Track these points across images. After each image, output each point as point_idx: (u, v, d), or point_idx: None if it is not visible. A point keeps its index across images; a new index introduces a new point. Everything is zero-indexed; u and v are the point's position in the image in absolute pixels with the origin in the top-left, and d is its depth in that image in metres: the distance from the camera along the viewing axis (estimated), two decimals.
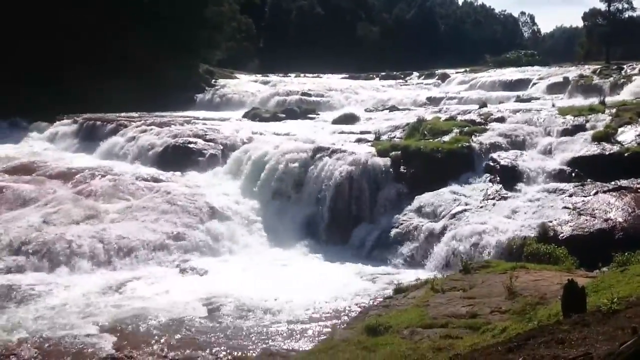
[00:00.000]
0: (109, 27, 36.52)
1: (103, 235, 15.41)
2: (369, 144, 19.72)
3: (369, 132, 21.94)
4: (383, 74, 53.32)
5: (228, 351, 9.97)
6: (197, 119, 28.78)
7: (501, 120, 20.64)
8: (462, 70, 47.91)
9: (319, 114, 31.41)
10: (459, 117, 22.03)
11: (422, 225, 15.35)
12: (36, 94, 30.71)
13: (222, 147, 21.57)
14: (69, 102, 30.46)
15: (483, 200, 15.70)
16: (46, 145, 26.92)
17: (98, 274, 14.06)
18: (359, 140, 20.49)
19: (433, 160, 17.67)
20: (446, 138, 19.05)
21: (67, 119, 28.79)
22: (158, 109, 33.12)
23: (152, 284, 13.38)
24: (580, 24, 79.10)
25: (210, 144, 21.89)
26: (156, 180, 19.70)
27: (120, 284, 13.31)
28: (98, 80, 32.82)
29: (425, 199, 16.23)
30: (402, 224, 15.76)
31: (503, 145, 18.16)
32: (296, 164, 18.39)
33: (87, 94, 31.69)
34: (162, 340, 10.35)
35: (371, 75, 52.57)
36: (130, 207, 17.37)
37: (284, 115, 30.18)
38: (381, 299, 11.23)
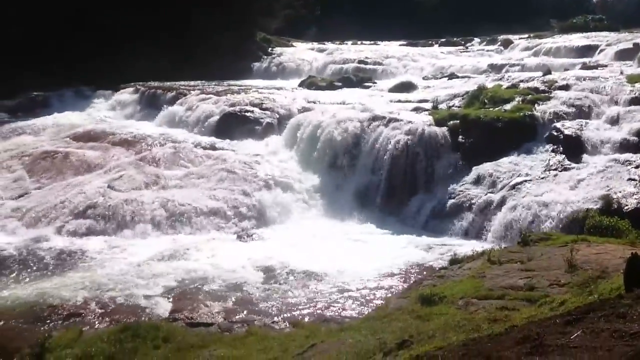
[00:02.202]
0: None
1: (164, 200, 15.90)
2: (426, 112, 19.36)
3: (426, 101, 21.52)
4: (442, 40, 51.84)
5: (283, 316, 10.18)
6: (254, 87, 28.99)
7: (566, 88, 19.83)
8: (526, 36, 45.99)
9: (375, 82, 31.01)
10: (522, 85, 21.29)
11: (480, 196, 15.07)
12: (99, 63, 31.59)
13: (278, 116, 21.67)
14: (131, 71, 31.15)
15: (545, 171, 15.22)
16: (109, 113, 27.75)
17: (160, 238, 14.59)
18: (416, 109, 20.14)
19: (493, 129, 17.21)
20: (507, 107, 18.48)
21: (129, 87, 29.56)
22: (216, 78, 33.51)
23: (211, 249, 13.75)
24: None
25: (267, 112, 22.03)
26: (214, 148, 20.07)
27: (180, 248, 13.75)
28: (158, 50, 33.45)
29: (484, 169, 15.89)
30: (459, 194, 15.52)
31: (567, 114, 17.48)
32: (352, 133, 18.29)
33: (148, 64, 32.35)
34: (220, 303, 10.68)
35: (430, 42, 51.25)
36: (190, 174, 17.80)
37: (340, 84, 29.97)
38: (436, 269, 11.16)
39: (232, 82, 32.49)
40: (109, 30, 33.97)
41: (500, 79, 24.88)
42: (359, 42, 52.48)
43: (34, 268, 12.67)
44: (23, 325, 9.87)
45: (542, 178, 14.89)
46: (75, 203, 15.75)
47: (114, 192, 16.39)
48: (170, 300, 10.92)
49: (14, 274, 12.27)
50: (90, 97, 30.16)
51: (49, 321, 10.01)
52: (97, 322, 9.91)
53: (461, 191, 15.58)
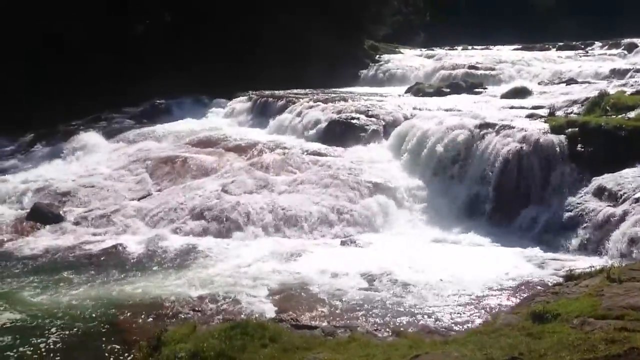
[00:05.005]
0: (280, 9, 38.16)
1: (273, 205, 16.42)
2: (542, 120, 18.45)
3: (542, 107, 20.55)
4: (560, 44, 49.35)
5: (386, 324, 10.14)
6: (361, 95, 29.16)
7: None
8: None
9: (486, 88, 30.06)
10: None
11: (600, 210, 14.11)
12: (214, 72, 33.23)
13: (384, 123, 21.60)
14: (244, 80, 32.47)
15: None
16: (224, 120, 29.05)
17: (268, 241, 15.06)
18: (530, 116, 19.26)
19: (615, 138, 16.06)
20: (632, 114, 17.21)
21: (243, 96, 30.79)
22: (324, 86, 34.06)
23: (315, 254, 13.98)
24: None
25: (373, 119, 22.05)
26: (320, 154, 20.40)
27: (286, 252, 14.10)
28: (272, 59, 34.65)
29: (604, 180, 14.86)
30: (576, 207, 14.64)
31: None
32: (460, 141, 17.84)
33: (262, 72, 33.57)
34: (322, 308, 10.83)
35: (547, 46, 48.93)
36: (297, 180, 18.24)
37: (448, 90, 29.34)
38: (549, 285, 10.63)
39: (339, 90, 32.89)
40: (225, 40, 35.72)
41: (624, 84, 23.34)
42: (469, 47, 51.29)
43: (153, 265, 13.58)
44: (141, 319, 10.57)
45: None
46: (192, 205, 16.69)
47: (227, 195, 17.18)
48: (275, 301, 11.25)
49: (135, 270, 13.21)
50: (207, 105, 31.80)
51: (165, 316, 10.64)
52: (208, 319, 10.38)
53: (579, 203, 14.69)
